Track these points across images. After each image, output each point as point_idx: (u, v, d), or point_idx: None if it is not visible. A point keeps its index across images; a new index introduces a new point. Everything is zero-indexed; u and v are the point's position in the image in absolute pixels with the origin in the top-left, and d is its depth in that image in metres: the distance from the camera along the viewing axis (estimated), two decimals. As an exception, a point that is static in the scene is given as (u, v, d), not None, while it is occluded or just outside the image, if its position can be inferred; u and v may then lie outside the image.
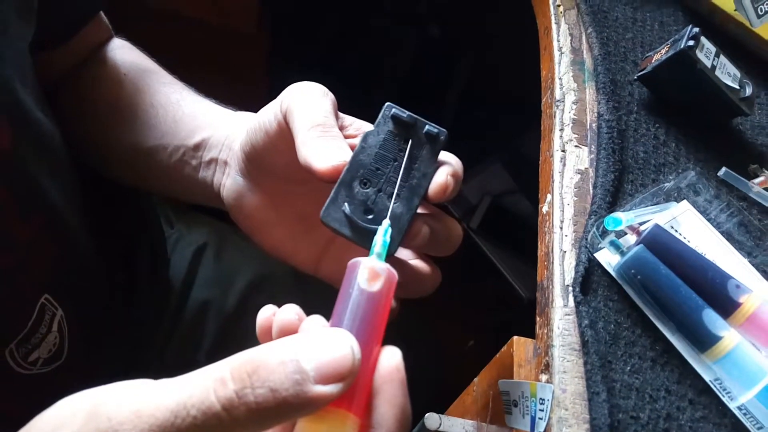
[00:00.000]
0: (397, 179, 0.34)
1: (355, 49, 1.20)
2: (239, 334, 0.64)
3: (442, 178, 0.34)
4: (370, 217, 0.34)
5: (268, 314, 0.30)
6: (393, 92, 1.22)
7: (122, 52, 0.50)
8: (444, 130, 0.35)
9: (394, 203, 0.34)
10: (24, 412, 0.41)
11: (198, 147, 0.44)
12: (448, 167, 0.35)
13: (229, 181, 0.42)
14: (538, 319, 0.38)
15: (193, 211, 0.74)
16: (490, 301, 1.16)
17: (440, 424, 0.43)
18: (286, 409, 0.23)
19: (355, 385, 0.25)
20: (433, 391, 0.75)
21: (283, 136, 0.37)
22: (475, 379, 0.46)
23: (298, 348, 0.24)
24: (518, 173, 1.16)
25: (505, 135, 1.17)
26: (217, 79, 0.69)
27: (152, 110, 0.47)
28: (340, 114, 0.38)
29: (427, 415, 0.43)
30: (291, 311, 0.30)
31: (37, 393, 0.43)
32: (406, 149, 0.34)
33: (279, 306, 0.71)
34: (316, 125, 0.35)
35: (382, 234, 0.31)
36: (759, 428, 0.33)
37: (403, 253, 0.39)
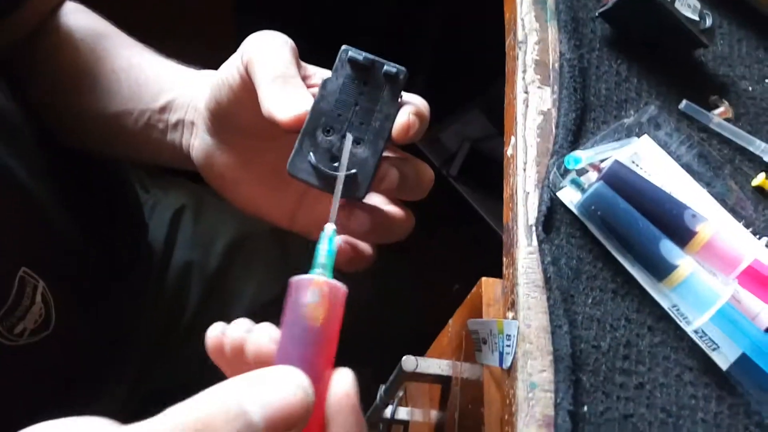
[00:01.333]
0: (360, 123, 0.34)
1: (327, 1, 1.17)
2: (223, 294, 0.65)
3: (404, 117, 0.34)
4: (337, 164, 0.34)
5: (217, 333, 0.29)
6: (367, 44, 1.19)
7: (77, 16, 0.49)
8: (403, 68, 0.34)
9: (359, 147, 0.34)
10: (12, 382, 0.42)
11: (163, 109, 0.44)
12: (410, 106, 0.35)
13: (197, 142, 0.42)
14: (504, 259, 0.39)
15: (168, 174, 0.73)
16: (473, 246, 1.17)
17: (417, 366, 0.44)
18: None
19: (309, 422, 0.23)
20: (418, 336, 0.77)
21: (246, 89, 0.37)
22: (450, 321, 0.48)
23: (246, 399, 0.22)
24: (496, 117, 1.16)
25: (481, 80, 1.17)
26: (181, 38, 0.68)
27: (114, 75, 0.46)
28: (303, 64, 0.38)
29: (404, 358, 0.45)
30: (241, 328, 0.29)
31: (26, 363, 0.44)
32: (366, 92, 0.34)
33: (260, 265, 0.71)
34: (277, 76, 0.35)
35: (327, 242, 0.29)
36: (713, 349, 0.35)
37: (376, 199, 0.40)
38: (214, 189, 0.43)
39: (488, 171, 1.13)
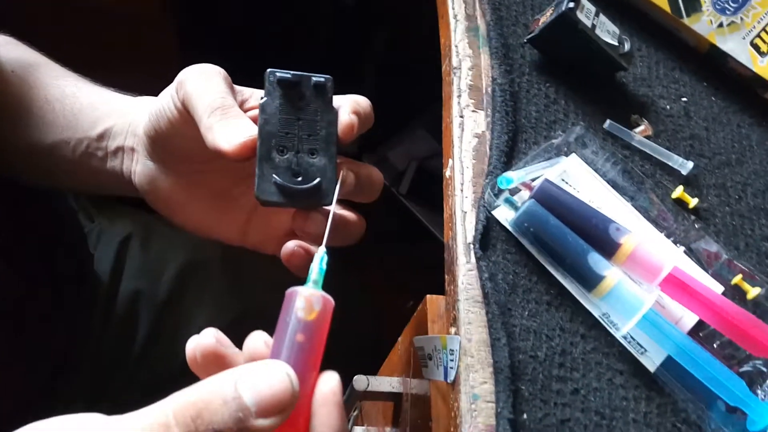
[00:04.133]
0: (308, 136, 0.36)
1: (270, 23, 1.18)
2: (173, 322, 0.64)
3: (345, 118, 0.36)
4: (300, 179, 0.36)
5: (192, 346, 0.31)
6: (311, 67, 1.21)
7: (6, 49, 0.48)
8: (329, 76, 0.37)
9: (315, 157, 0.36)
10: None
11: (102, 137, 0.44)
12: (347, 105, 0.37)
13: (139, 168, 0.43)
14: (446, 276, 0.41)
15: (114, 203, 0.73)
16: (426, 262, 1.19)
17: (368, 385, 0.45)
18: None
19: (296, 413, 0.27)
20: (373, 354, 0.78)
21: (185, 121, 0.38)
22: (399, 338, 0.49)
23: (239, 385, 0.25)
24: (441, 136, 1.18)
25: (425, 100, 1.20)
26: (125, 68, 0.68)
27: (48, 106, 0.46)
28: (239, 87, 0.39)
29: (355, 378, 0.46)
30: (209, 335, 0.31)
31: None
32: (303, 106, 0.36)
33: (211, 293, 0.71)
34: (215, 109, 0.36)
35: (318, 262, 0.32)
36: (641, 353, 0.37)
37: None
38: (161, 213, 0.44)
39: (437, 188, 1.16)
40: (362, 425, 0.57)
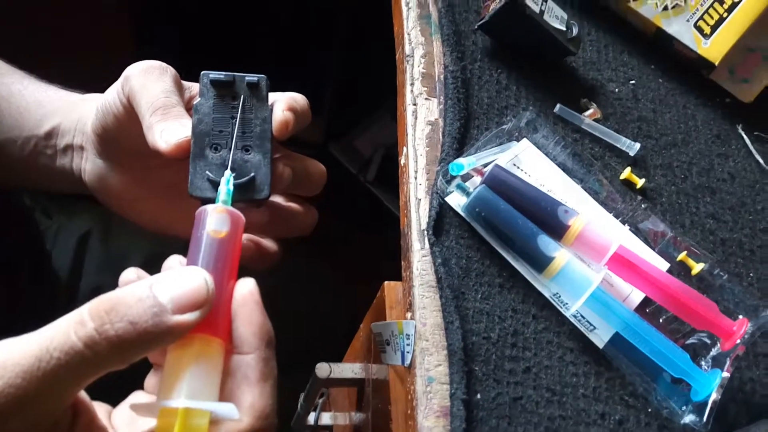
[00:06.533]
0: (242, 133, 0.37)
1: (230, 18, 1.16)
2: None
3: (279, 115, 0.37)
4: (234, 174, 0.36)
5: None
6: (271, 59, 1.20)
7: None
8: (263, 75, 0.38)
9: (249, 154, 0.36)
10: None
11: (49, 135, 0.44)
12: (281, 103, 0.38)
13: (88, 165, 0.43)
14: (402, 263, 0.41)
15: (73, 199, 0.71)
16: (393, 249, 1.20)
17: (330, 372, 0.46)
18: (148, 339, 0.25)
19: (216, 315, 0.28)
20: (345, 341, 0.79)
21: (131, 118, 0.38)
22: (361, 325, 0.50)
23: (154, 285, 0.26)
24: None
25: (391, 86, 1.20)
26: (81, 61, 0.66)
27: None
28: (188, 84, 0.39)
29: (317, 365, 0.46)
30: (131, 273, 0.32)
31: None
32: (238, 105, 0.37)
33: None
34: (157, 108, 0.36)
35: (225, 183, 0.34)
36: (591, 330, 0.38)
37: (277, 198, 0.42)
38: (113, 210, 0.44)
39: (403, 174, 1.16)
40: (330, 411, 0.58)
